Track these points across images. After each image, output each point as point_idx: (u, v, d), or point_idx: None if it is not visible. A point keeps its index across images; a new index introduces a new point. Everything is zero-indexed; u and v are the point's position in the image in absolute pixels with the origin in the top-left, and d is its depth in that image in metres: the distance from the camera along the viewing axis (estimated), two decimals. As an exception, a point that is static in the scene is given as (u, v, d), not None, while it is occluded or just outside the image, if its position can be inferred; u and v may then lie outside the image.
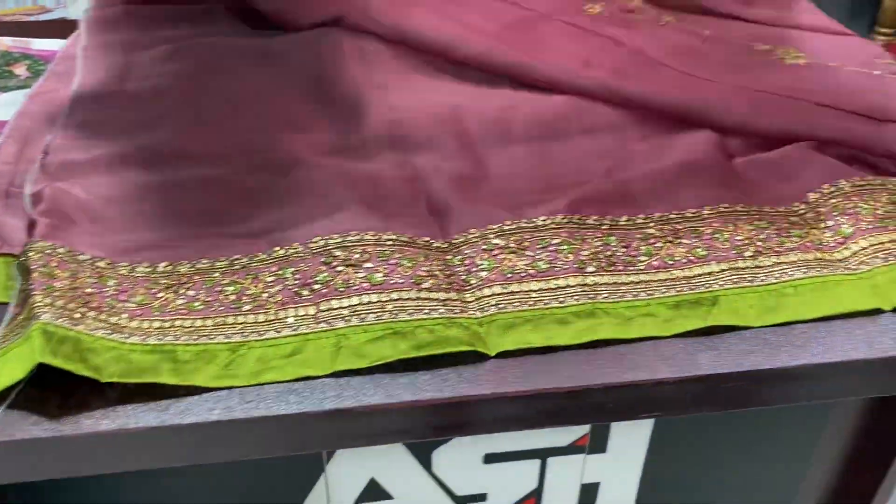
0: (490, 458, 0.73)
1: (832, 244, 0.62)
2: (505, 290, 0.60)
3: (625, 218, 0.65)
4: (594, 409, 0.57)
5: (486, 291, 0.59)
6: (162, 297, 0.57)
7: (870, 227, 0.62)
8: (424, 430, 0.57)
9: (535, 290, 0.60)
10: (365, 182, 0.69)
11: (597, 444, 0.75)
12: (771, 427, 0.75)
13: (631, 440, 0.75)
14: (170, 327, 0.55)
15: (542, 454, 0.75)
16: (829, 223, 0.64)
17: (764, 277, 0.59)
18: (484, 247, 0.63)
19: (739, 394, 0.56)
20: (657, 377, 0.56)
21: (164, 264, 0.60)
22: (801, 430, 0.75)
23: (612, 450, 0.75)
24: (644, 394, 0.56)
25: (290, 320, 0.56)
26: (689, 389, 0.56)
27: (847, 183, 0.66)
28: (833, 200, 0.65)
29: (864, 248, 0.61)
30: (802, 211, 0.65)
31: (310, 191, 0.67)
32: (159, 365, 0.53)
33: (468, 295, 0.60)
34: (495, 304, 0.59)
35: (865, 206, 0.64)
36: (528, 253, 0.62)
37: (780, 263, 0.60)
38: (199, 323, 0.56)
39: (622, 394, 0.56)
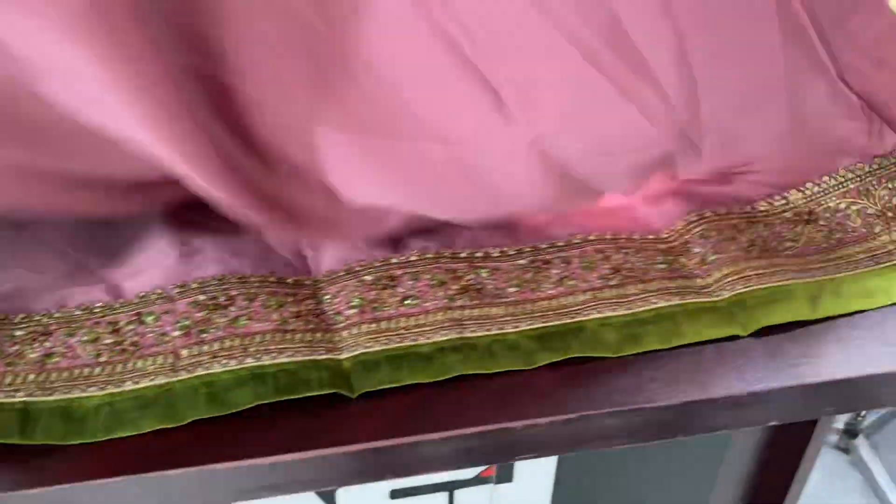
0: (396, 494, 0.73)
1: (696, 271, 0.62)
2: (372, 329, 0.59)
3: (497, 251, 0.64)
4: (466, 454, 0.56)
5: (354, 330, 0.59)
6: (16, 350, 0.56)
7: (732, 254, 0.62)
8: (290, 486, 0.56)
9: (403, 327, 0.59)
10: (229, 219, 0.67)
11: (503, 473, 0.75)
12: (676, 447, 0.75)
13: (537, 468, 0.75)
14: (21, 382, 0.54)
15: (449, 487, 0.74)
16: (696, 250, 0.63)
17: (628, 306, 0.59)
18: (354, 283, 0.62)
19: (610, 432, 0.55)
20: (530, 419, 0.55)
21: (20, 315, 0.59)
22: (706, 450, 0.75)
23: (518, 479, 0.75)
24: (517, 437, 0.56)
25: (150, 369, 0.55)
26: (561, 430, 0.55)
27: (712, 212, 0.66)
28: (698, 228, 0.65)
29: (725, 275, 0.61)
30: (670, 238, 0.65)
31: (171, 231, 0.66)
32: (8, 424, 0.52)
33: (336, 335, 0.59)
34: (362, 343, 0.58)
35: (728, 232, 0.64)
36: (398, 289, 0.61)
37: (644, 291, 0.60)
38: (53, 377, 0.54)
39: (494, 438, 0.55)
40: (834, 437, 1.44)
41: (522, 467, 0.74)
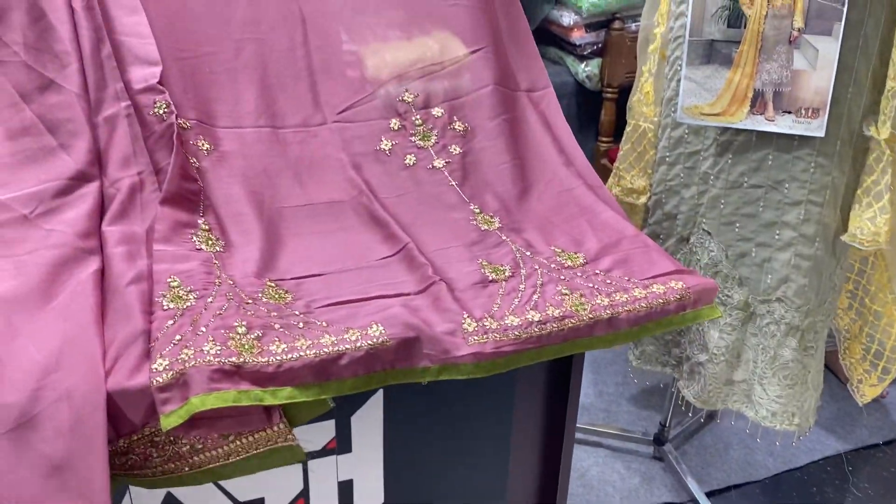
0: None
1: None
2: None
3: None
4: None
5: None
6: None
7: None
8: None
9: None
10: None
11: (343, 445, 0.97)
12: (473, 421, 1.00)
13: (369, 439, 0.97)
14: None
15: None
16: None
17: None
18: None
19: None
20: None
21: None
22: (498, 417, 1.01)
23: (356, 449, 0.98)
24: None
25: None
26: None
27: None
28: None
29: None
30: None
31: None
32: None
33: None
34: None
35: None
36: None
37: None
38: None
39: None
40: (649, 449, 1.72)
41: (357, 439, 0.96)
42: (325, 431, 0.94)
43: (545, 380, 1.03)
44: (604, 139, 2.09)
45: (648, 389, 1.89)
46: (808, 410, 1.38)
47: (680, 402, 1.48)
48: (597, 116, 2.10)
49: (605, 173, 2.03)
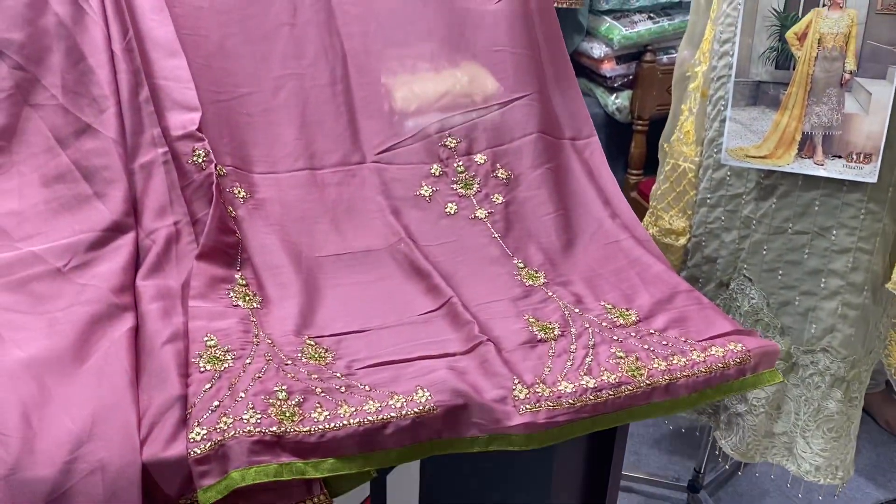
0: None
1: None
2: None
3: None
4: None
5: None
6: None
7: None
8: None
9: None
10: None
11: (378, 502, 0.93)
12: (511, 481, 0.96)
13: (404, 499, 0.93)
14: None
15: (337, 516, 0.92)
16: None
17: None
18: None
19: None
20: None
21: None
22: (537, 478, 0.96)
23: (391, 507, 0.94)
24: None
25: None
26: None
27: None
28: None
29: None
30: None
31: None
32: None
33: None
34: None
35: None
36: None
37: None
38: None
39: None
40: (682, 496, 1.67)
41: (392, 499, 0.92)
42: (359, 490, 0.90)
43: (586, 439, 0.98)
44: (633, 171, 2.05)
45: (679, 432, 1.84)
46: (850, 462, 1.33)
47: (717, 452, 1.43)
48: (626, 149, 2.06)
49: (634, 206, 2.00)
